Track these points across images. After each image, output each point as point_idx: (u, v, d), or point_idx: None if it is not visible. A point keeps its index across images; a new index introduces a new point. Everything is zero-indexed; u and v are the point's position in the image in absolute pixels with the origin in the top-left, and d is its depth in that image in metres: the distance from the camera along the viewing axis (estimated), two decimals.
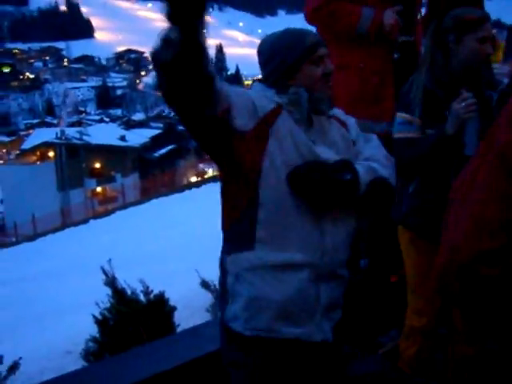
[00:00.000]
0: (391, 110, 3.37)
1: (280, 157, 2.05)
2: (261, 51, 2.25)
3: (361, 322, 3.39)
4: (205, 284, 5.10)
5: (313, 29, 3.10)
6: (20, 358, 4.26)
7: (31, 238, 26.24)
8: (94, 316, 4.42)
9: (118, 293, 4.34)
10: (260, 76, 2.32)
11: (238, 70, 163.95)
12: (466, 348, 2.88)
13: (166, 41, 1.83)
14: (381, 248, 3.82)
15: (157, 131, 65.08)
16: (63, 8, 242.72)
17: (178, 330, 4.84)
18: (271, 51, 2.18)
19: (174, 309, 4.63)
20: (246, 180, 2.05)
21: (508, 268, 1.64)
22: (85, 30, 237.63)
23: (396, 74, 3.52)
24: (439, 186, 2.74)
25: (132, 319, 4.21)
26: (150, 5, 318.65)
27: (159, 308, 4.46)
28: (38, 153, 55.23)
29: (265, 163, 2.03)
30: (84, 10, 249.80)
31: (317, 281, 2.09)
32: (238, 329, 2.11)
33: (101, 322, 4.36)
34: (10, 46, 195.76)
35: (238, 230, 2.09)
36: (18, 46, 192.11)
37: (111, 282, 4.40)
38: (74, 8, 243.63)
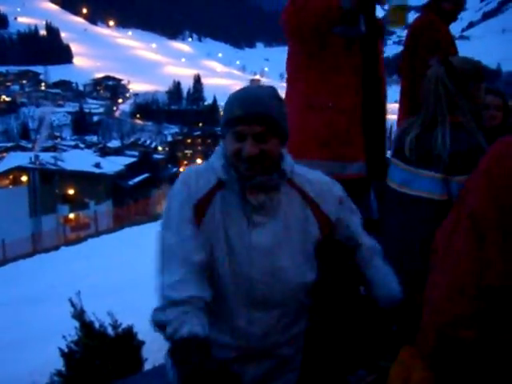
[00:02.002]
0: (363, 151, 3.36)
1: (214, 246, 2.02)
2: None
3: (329, 360, 3.37)
4: None
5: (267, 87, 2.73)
6: None
7: (0, 262, 25.83)
8: (59, 349, 4.35)
9: (86, 326, 4.28)
10: None
11: (215, 101, 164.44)
12: None
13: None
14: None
15: (132, 159, 65.03)
16: (43, 32, 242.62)
17: (146, 364, 4.78)
18: (224, 105, 2.13)
19: (142, 343, 4.58)
20: None
21: (484, 332, 1.65)
22: (64, 55, 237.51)
23: (364, 107, 3.43)
24: None
25: (99, 353, 4.15)
26: (130, 33, 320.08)
27: (127, 342, 4.40)
28: (11, 176, 54.65)
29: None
30: (63, 35, 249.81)
31: (242, 362, 2.08)
32: None
33: (67, 355, 4.29)
34: None
35: None
36: None
37: (79, 315, 4.35)
38: (53, 33, 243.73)
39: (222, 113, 2.16)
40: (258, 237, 2.03)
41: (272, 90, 2.10)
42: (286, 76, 3.62)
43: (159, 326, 1.91)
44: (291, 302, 2.12)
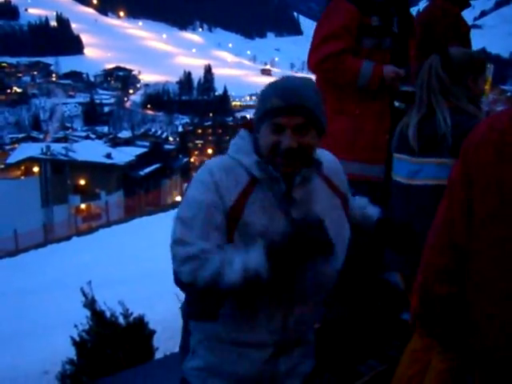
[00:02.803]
0: (385, 155, 3.50)
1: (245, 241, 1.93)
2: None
3: (340, 350, 3.38)
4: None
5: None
6: None
7: (13, 253, 25.97)
8: (71, 338, 4.38)
9: (97, 315, 4.31)
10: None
11: (225, 91, 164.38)
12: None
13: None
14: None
15: (143, 150, 64.99)
16: (53, 23, 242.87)
17: (157, 353, 4.80)
18: (260, 94, 2.01)
19: (153, 332, 4.60)
20: None
21: (458, 288, 1.80)
22: (74, 46, 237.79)
23: (394, 120, 3.57)
24: None
25: (110, 342, 4.17)
26: (140, 23, 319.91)
27: (138, 331, 4.43)
28: (23, 167, 54.91)
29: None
30: (74, 26, 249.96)
31: (276, 356, 2.07)
32: (193, 382, 2.14)
33: (78, 344, 4.32)
34: None
35: (204, 299, 2.06)
36: (6, 60, 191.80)
37: (90, 303, 4.37)
38: (64, 24, 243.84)
39: (242, 103, 2.08)
40: None
41: (311, 82, 2.03)
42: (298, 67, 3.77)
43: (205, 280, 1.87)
44: (324, 292, 2.13)
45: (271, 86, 1.99)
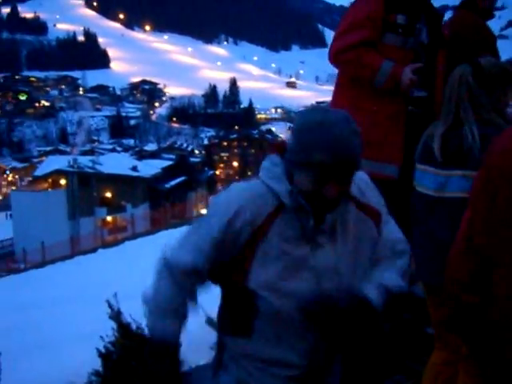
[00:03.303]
0: (400, 156, 3.46)
1: (267, 271, 1.93)
2: (296, 118, 1.96)
3: (367, 365, 3.34)
4: (210, 321, 5.04)
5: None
6: None
7: (40, 265, 26.23)
8: (97, 349, 4.39)
9: (123, 327, 4.31)
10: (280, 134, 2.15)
11: (251, 104, 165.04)
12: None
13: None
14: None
15: (168, 162, 65.46)
16: (81, 38, 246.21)
17: (182, 366, 4.79)
18: (296, 131, 1.89)
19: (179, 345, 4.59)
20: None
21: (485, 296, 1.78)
22: (101, 60, 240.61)
23: (407, 124, 3.55)
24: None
25: (136, 354, 4.17)
26: (166, 37, 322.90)
27: None
28: (50, 180, 55.60)
29: (251, 281, 1.95)
30: (101, 40, 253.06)
31: (305, 379, 2.06)
32: None
33: (104, 356, 4.33)
34: (26, 73, 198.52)
35: (238, 315, 2.05)
36: (34, 74, 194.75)
37: (116, 315, 4.38)
38: (91, 38, 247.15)
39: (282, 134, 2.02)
40: (324, 257, 1.96)
41: (354, 124, 1.87)
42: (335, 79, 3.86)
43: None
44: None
45: (313, 129, 1.84)
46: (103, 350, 4.38)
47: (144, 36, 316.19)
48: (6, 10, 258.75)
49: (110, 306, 4.48)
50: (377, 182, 3.44)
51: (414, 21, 3.57)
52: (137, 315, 4.79)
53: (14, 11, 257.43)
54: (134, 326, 4.45)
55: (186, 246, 2.03)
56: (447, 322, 2.37)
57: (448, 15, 4.61)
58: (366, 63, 3.50)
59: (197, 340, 6.07)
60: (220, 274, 2.03)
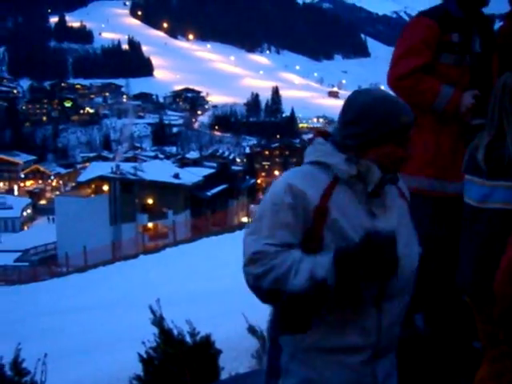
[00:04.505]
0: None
1: (335, 241, 1.98)
2: (349, 107, 2.09)
3: (413, 378, 3.30)
4: (252, 329, 5.03)
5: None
6: None
7: (82, 269, 26.58)
8: (139, 354, 4.41)
9: (165, 333, 4.33)
10: (327, 127, 2.25)
11: (293, 113, 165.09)
12: None
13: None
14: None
15: (210, 170, 65.81)
16: (125, 46, 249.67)
17: (223, 373, 4.78)
18: (360, 114, 2.04)
19: (219, 352, 4.59)
20: None
21: None
22: (145, 68, 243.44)
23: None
24: None
25: (177, 360, 4.18)
26: (208, 46, 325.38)
27: (205, 350, 4.42)
28: (93, 186, 56.37)
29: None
30: (145, 48, 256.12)
31: (374, 359, 2.05)
32: None
33: (146, 361, 4.35)
34: (72, 81, 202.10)
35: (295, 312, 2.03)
36: (80, 82, 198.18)
37: (159, 321, 4.40)
38: (135, 47, 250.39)
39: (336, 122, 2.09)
40: (381, 227, 2.02)
41: None
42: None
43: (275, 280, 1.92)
44: (408, 290, 2.14)
45: (386, 101, 2.05)
46: (145, 355, 4.40)
47: (187, 45, 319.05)
48: (55, 20, 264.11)
49: (152, 311, 4.50)
50: (442, 200, 3.48)
51: (468, 37, 3.58)
52: (177, 321, 4.81)
53: (62, 20, 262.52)
54: (175, 332, 4.46)
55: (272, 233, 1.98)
56: (498, 318, 2.30)
57: (498, 24, 4.56)
58: (424, 89, 3.52)
59: (237, 347, 6.07)
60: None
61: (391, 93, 2.16)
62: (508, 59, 3.74)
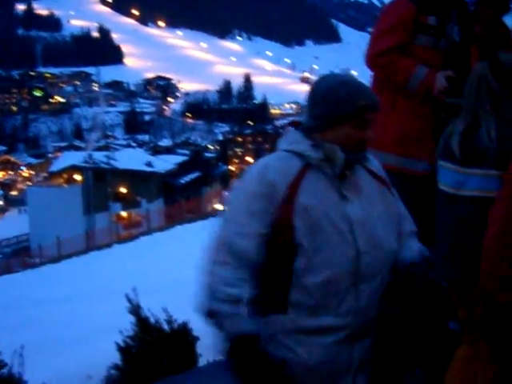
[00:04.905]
0: (432, 150, 3.43)
1: (307, 225, 2.02)
2: (314, 89, 2.17)
3: (388, 359, 3.34)
4: None
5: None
6: None
7: (56, 260, 26.40)
8: (116, 343, 4.41)
9: (142, 321, 4.34)
10: (296, 118, 2.30)
11: (265, 99, 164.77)
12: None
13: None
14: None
15: (183, 158, 65.57)
16: (95, 34, 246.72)
17: (200, 360, 4.81)
18: (321, 96, 2.11)
19: (196, 339, 4.61)
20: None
21: None
22: (115, 55, 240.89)
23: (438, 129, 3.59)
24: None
25: (155, 348, 4.19)
26: (180, 33, 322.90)
27: (182, 337, 4.44)
28: (66, 176, 55.85)
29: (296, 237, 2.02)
30: (115, 36, 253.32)
31: (351, 340, 2.09)
32: None
33: (123, 350, 4.36)
34: (42, 70, 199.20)
35: (270, 292, 2.08)
36: (49, 71, 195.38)
37: (135, 310, 4.40)
38: (105, 34, 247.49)
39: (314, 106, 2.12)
40: (353, 210, 2.09)
41: None
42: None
43: (212, 315, 2.03)
44: (385, 271, 2.16)
45: (345, 84, 2.10)
46: (122, 344, 4.41)
47: (158, 32, 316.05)
48: (22, 8, 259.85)
49: (129, 300, 4.50)
50: (410, 177, 3.55)
51: (445, 21, 3.66)
52: (154, 309, 4.82)
53: (29, 8, 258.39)
54: (152, 320, 4.47)
55: (234, 230, 2.06)
56: (478, 321, 2.33)
57: None
58: (400, 68, 3.61)
59: (214, 334, 6.10)
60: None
61: (357, 78, 2.17)
62: (488, 48, 3.79)
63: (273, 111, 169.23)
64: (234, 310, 1.97)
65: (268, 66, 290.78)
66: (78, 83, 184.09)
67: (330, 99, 2.08)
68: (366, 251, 2.06)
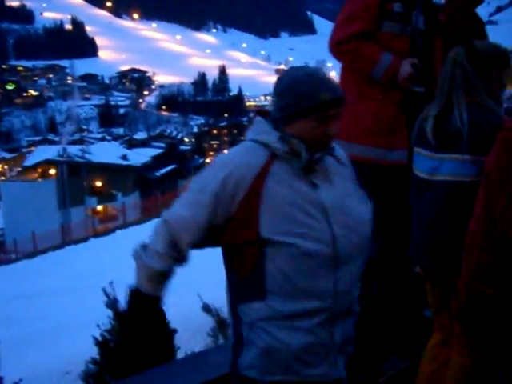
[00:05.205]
0: (406, 139, 3.46)
1: (275, 215, 2.03)
2: (280, 81, 2.16)
3: (365, 348, 3.38)
4: (206, 308, 5.07)
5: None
6: (20, 380, 4.25)
7: (31, 255, 26.16)
8: (94, 337, 4.41)
9: (120, 315, 4.33)
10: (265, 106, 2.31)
11: (240, 91, 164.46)
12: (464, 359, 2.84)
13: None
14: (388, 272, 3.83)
15: (158, 151, 65.26)
16: (68, 27, 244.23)
17: (178, 352, 4.82)
18: (286, 88, 2.11)
19: (174, 331, 4.62)
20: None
21: (506, 287, 1.75)
22: (89, 48, 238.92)
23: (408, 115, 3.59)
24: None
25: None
26: (154, 25, 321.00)
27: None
28: (40, 170, 55.25)
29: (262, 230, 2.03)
30: (89, 28, 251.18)
31: (331, 322, 2.09)
32: (255, 376, 2.09)
33: (101, 344, 4.35)
34: (14, 63, 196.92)
35: (248, 280, 2.09)
36: (22, 64, 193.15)
37: (112, 304, 4.39)
38: (78, 27, 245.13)
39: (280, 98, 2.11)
40: (327, 196, 2.09)
41: None
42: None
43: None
44: (364, 253, 2.18)
45: (309, 77, 2.08)
46: (100, 338, 4.40)
47: (132, 24, 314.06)
48: None
49: (106, 294, 4.49)
50: (382, 168, 3.56)
51: (410, 8, 3.62)
52: None
53: (0, 0, 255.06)
54: None
55: (183, 203, 2.12)
56: (458, 312, 2.34)
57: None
58: (364, 55, 3.56)
59: (192, 327, 6.11)
60: (229, 234, 2.08)
61: (324, 72, 2.16)
62: (454, 37, 3.82)
63: (248, 103, 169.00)
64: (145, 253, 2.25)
65: (243, 57, 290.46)
66: (52, 76, 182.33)
67: (294, 91, 2.07)
68: (343, 235, 2.07)
